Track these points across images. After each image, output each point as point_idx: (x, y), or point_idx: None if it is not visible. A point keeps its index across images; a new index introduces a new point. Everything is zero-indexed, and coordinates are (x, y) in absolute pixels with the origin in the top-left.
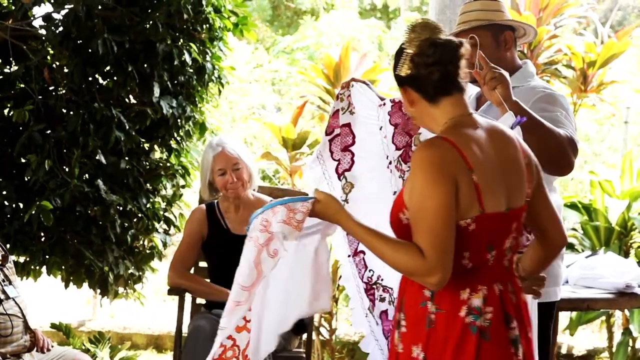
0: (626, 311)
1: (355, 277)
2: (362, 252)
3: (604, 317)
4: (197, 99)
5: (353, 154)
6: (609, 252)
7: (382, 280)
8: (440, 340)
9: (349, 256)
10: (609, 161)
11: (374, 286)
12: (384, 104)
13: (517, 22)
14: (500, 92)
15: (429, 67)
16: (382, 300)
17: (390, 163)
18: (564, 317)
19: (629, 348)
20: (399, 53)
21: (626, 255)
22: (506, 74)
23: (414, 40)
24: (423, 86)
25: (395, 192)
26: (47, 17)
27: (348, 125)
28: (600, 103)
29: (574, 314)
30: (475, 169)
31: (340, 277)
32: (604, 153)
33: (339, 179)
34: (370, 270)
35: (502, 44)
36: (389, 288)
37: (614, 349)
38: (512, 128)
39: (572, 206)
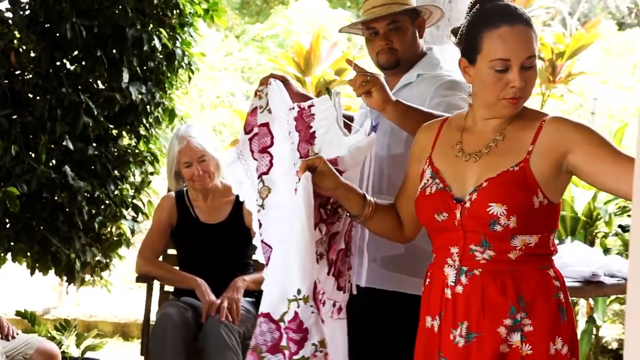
0: (590, 300)
1: None
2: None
3: None
4: (166, 85)
5: (272, 157)
6: (575, 241)
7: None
8: (574, 331)
9: None
10: None
11: None
12: (293, 109)
13: (423, 7)
14: (376, 96)
15: None
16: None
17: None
18: None
19: (593, 336)
20: None
21: (591, 244)
22: (380, 75)
23: None
24: None
25: None
26: (13, 0)
27: (266, 124)
28: (568, 94)
29: None
30: None
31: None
32: None
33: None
34: None
35: (418, 29)
36: None
37: (578, 337)
38: (368, 134)
39: None
